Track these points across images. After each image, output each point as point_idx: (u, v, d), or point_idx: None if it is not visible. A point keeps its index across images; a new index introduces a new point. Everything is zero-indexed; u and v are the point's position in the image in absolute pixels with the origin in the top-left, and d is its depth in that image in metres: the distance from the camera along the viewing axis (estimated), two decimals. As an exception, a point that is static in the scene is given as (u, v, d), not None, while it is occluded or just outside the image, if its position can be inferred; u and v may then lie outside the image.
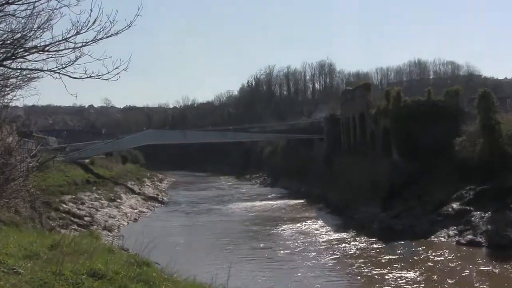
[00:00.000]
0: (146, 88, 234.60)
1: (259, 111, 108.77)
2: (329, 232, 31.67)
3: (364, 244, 27.54)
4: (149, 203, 48.50)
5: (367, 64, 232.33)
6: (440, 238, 27.00)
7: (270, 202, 49.15)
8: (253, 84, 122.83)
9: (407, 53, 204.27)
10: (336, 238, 29.48)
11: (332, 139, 54.18)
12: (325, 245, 28.00)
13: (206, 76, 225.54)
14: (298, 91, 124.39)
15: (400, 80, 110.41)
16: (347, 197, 38.65)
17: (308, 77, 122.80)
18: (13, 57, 8.39)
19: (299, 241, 29.16)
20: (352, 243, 27.97)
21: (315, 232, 32.08)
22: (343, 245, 27.60)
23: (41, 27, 8.39)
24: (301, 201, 48.04)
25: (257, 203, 48.14)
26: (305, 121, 77.25)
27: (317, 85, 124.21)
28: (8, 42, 8.35)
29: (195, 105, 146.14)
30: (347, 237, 29.75)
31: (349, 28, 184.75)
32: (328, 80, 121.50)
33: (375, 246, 26.96)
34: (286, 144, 70.39)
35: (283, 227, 34.07)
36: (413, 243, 26.57)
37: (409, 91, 58.74)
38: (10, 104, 11.95)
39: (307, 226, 34.37)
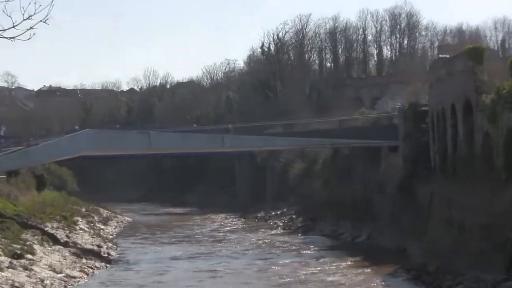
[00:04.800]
0: (80, 57, 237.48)
1: (281, 97, 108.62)
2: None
3: None
4: (85, 261, 48.49)
5: (477, 14, 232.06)
6: None
7: (304, 262, 48.81)
8: (272, 49, 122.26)
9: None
10: None
11: (413, 149, 54.40)
12: None
13: (189, 36, 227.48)
14: (351, 61, 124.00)
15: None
16: (442, 253, 38.59)
17: (370, 37, 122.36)
18: None
19: None
20: None
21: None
22: None
23: None
24: (359, 259, 47.97)
25: (280, 266, 47.74)
26: (366, 115, 77.12)
27: (385, 50, 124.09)
28: None
29: (169, 87, 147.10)
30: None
31: None
32: (406, 41, 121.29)
33: None
34: (330, 156, 70.32)
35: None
36: None
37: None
38: None
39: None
